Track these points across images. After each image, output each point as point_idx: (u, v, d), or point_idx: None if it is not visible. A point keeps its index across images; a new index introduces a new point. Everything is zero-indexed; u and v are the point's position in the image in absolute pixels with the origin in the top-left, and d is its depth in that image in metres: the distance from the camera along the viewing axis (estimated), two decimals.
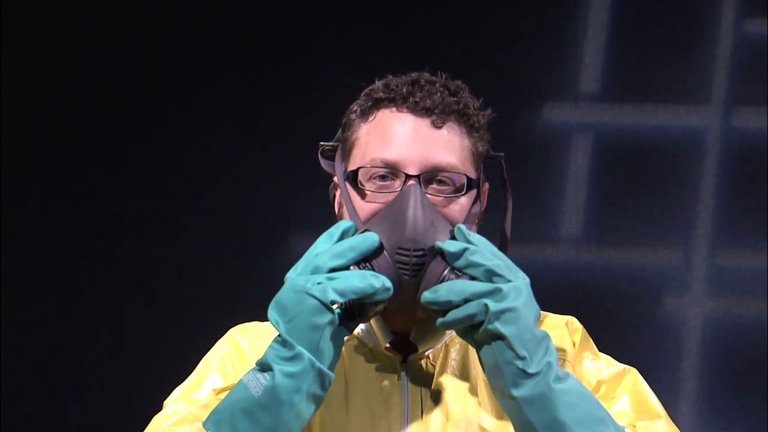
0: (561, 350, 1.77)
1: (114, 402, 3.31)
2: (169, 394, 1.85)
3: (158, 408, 1.94)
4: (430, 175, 1.68)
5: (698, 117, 3.25)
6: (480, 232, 1.74)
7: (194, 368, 1.85)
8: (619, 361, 1.85)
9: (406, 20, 3.31)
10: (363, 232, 1.66)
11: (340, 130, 1.76)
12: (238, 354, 1.81)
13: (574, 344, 1.80)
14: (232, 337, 1.84)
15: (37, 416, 3.36)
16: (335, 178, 1.77)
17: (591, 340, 1.84)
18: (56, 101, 3.46)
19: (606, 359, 1.82)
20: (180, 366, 1.93)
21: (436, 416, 1.70)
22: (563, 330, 1.82)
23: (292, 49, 3.36)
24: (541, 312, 1.75)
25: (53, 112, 3.47)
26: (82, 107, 3.45)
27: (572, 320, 1.83)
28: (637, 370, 2.26)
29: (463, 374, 1.74)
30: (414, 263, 1.62)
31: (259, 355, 1.64)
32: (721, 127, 3.24)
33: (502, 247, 1.77)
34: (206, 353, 1.87)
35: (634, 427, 1.71)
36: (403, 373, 1.74)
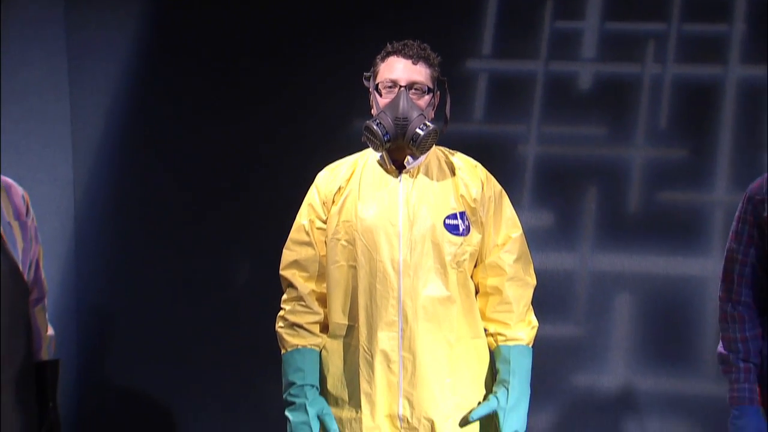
0: (473, 199, 2.57)
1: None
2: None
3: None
4: (411, 85, 2.61)
5: None
6: (436, 116, 2.64)
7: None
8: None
9: (400, 20, 3.93)
10: (380, 113, 2.54)
11: (372, 67, 2.70)
12: (320, 196, 2.62)
13: (486, 195, 2.62)
14: (311, 195, 2.67)
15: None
16: (371, 90, 2.68)
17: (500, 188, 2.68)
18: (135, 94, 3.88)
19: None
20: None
21: (415, 197, 2.58)
22: (474, 172, 2.64)
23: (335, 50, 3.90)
24: (451, 151, 2.65)
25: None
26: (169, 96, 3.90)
27: (482, 169, 2.67)
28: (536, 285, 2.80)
29: (427, 179, 2.60)
30: (402, 125, 2.56)
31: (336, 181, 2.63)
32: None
33: (445, 123, 2.67)
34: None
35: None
36: (399, 178, 2.62)
